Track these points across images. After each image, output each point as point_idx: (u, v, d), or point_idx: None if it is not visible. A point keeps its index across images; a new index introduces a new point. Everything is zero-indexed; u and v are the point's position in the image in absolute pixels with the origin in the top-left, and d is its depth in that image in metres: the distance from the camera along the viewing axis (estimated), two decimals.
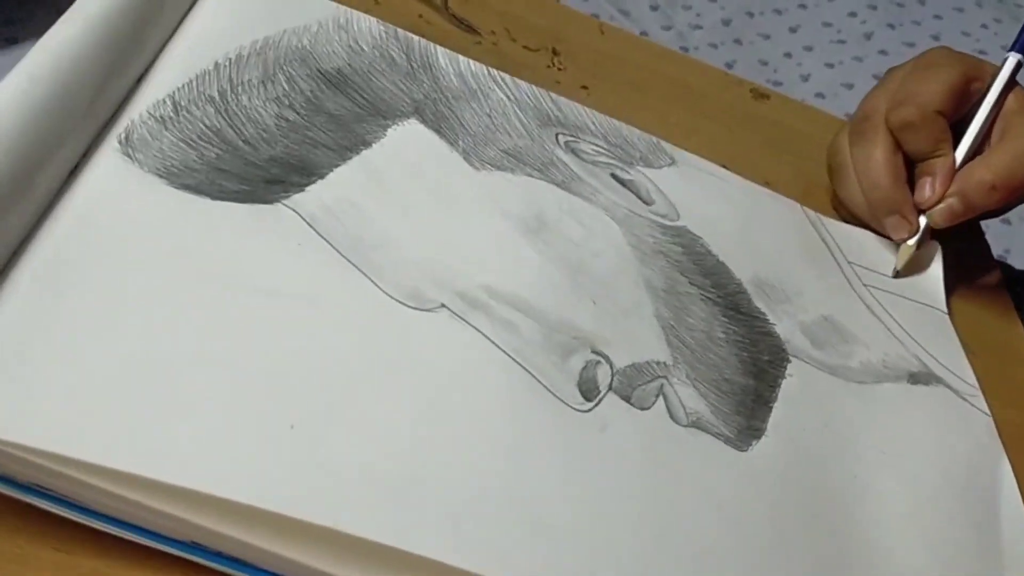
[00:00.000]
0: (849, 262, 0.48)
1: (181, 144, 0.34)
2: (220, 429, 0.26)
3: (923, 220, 0.48)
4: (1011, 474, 0.40)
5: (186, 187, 0.32)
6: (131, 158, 0.32)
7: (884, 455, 0.39)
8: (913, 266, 0.49)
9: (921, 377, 0.43)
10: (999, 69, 0.49)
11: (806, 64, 0.77)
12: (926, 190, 0.47)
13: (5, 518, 0.26)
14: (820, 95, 0.73)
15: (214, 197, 0.33)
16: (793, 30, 0.80)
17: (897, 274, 0.48)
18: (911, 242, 0.48)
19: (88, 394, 0.26)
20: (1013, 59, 0.48)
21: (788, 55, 0.77)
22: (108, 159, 0.32)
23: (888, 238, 0.49)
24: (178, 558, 0.26)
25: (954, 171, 0.47)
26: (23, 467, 0.25)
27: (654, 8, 0.75)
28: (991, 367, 0.45)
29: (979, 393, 0.43)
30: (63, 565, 0.26)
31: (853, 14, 0.83)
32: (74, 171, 0.31)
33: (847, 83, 0.76)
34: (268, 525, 0.26)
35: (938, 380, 0.43)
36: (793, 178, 0.54)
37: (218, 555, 0.26)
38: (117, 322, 0.28)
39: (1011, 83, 0.49)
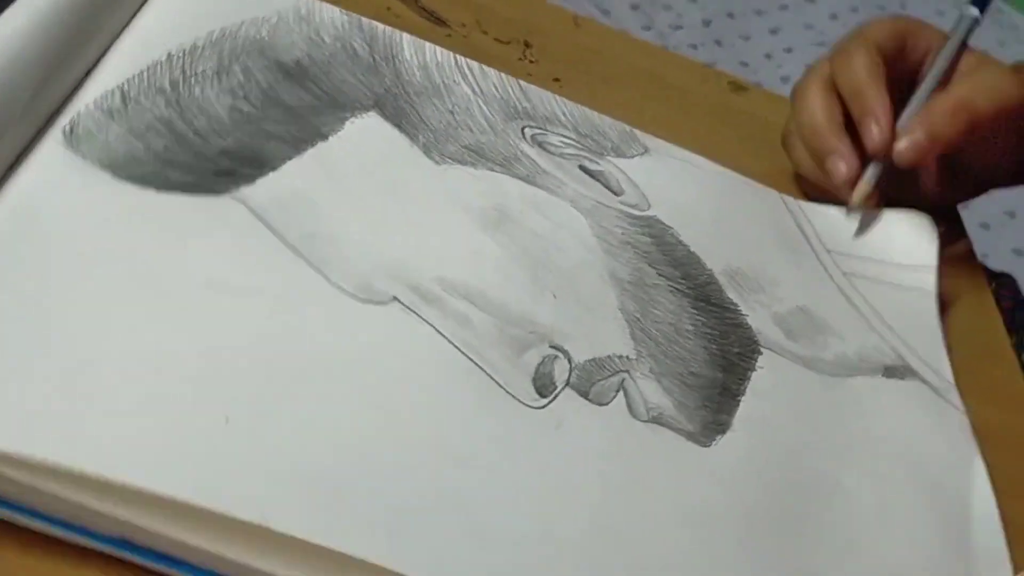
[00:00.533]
0: (828, 250, 0.47)
1: (128, 136, 0.33)
2: (150, 421, 0.26)
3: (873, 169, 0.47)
4: (984, 472, 0.39)
5: (131, 178, 0.32)
6: (75, 150, 0.32)
7: (854, 451, 0.38)
8: (871, 220, 0.48)
9: (896, 371, 0.42)
10: (957, 23, 0.48)
11: (786, 66, 0.76)
12: (872, 130, 0.46)
13: None
14: None
15: (160, 188, 0.32)
16: (774, 31, 0.79)
17: (851, 211, 0.48)
18: (863, 181, 0.47)
19: (13, 384, 0.25)
20: (971, 12, 0.48)
21: (768, 56, 0.76)
22: (50, 152, 0.31)
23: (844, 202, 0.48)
24: (108, 554, 0.26)
25: (893, 108, 0.46)
26: None
27: (634, 8, 0.74)
28: (969, 363, 0.44)
29: (954, 389, 0.42)
30: (31, 569, 0.25)
31: (835, 16, 0.82)
32: (13, 166, 0.31)
33: None
34: (198, 520, 0.25)
35: (913, 374, 0.42)
36: (771, 170, 0.53)
37: (148, 551, 0.26)
38: (49, 314, 0.27)
39: (965, 39, 0.48)
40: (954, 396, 0.42)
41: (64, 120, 0.33)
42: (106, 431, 0.25)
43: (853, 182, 0.47)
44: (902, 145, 0.45)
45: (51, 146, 0.32)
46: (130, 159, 0.32)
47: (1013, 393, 0.45)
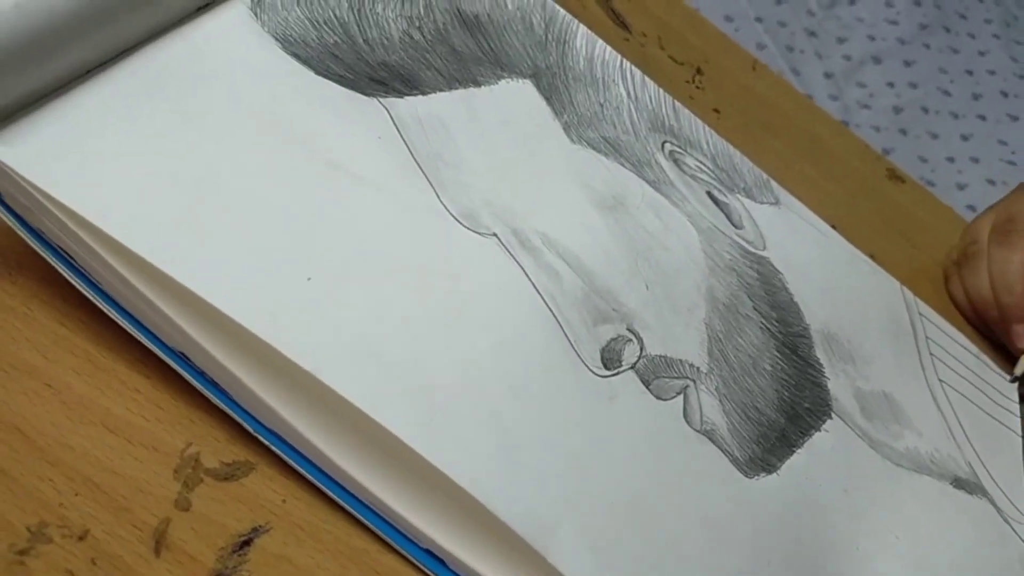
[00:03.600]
0: (931, 353, 0.45)
1: (306, 21, 0.35)
2: (244, 255, 0.27)
3: None
4: None
5: (296, 56, 0.34)
6: (256, 16, 0.34)
7: (898, 541, 0.36)
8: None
9: (966, 484, 0.40)
10: None
11: (967, 173, 0.74)
12: None
13: (26, 284, 0.28)
14: (971, 207, 0.70)
15: (318, 72, 0.34)
16: (965, 137, 0.76)
17: (1015, 380, 0.46)
18: None
19: (140, 183, 0.27)
20: None
21: (951, 159, 0.74)
22: (236, 8, 0.34)
23: (1001, 345, 0.47)
24: (162, 365, 0.27)
25: None
26: (61, 231, 0.26)
27: (828, 76, 0.74)
28: None
29: None
30: (60, 337, 0.27)
31: None
32: (204, 8, 0.33)
33: None
34: (255, 355, 0.26)
35: (984, 493, 0.40)
36: (902, 262, 0.51)
37: (200, 374, 0.27)
38: (189, 139, 0.29)
39: None
40: (1022, 529, 0.40)
41: None
42: (202, 251, 0.27)
43: None
44: None
45: (238, 4, 0.34)
46: (301, 41, 0.35)
47: None
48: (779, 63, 0.72)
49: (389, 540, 0.27)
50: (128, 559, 0.25)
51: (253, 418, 0.27)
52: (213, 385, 0.27)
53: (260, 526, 0.27)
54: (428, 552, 0.27)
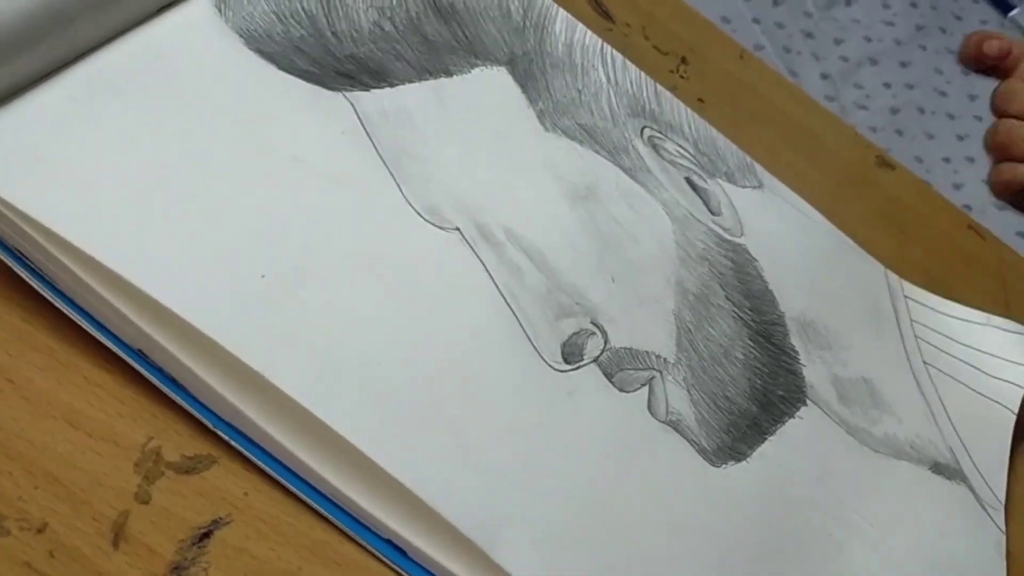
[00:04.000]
0: (917, 336, 0.45)
1: (272, 15, 0.36)
2: (198, 256, 0.28)
3: None
4: None
5: (260, 52, 0.34)
6: (220, 12, 0.34)
7: (871, 529, 0.36)
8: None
9: (945, 470, 0.40)
10: None
11: (963, 173, 0.74)
12: None
13: None
14: (968, 207, 0.69)
15: (282, 68, 0.34)
16: (961, 138, 0.76)
17: None
18: None
19: (93, 185, 0.28)
20: None
21: (947, 159, 0.74)
22: (200, 6, 0.34)
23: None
24: (122, 362, 0.28)
25: None
26: (15, 233, 0.27)
27: (824, 77, 0.74)
28: None
29: (1002, 509, 0.40)
30: (23, 332, 0.28)
31: None
32: (167, 7, 0.34)
33: (1000, 204, 0.72)
34: (209, 353, 0.27)
35: (963, 479, 0.40)
36: (889, 250, 0.51)
37: (159, 371, 0.28)
38: (147, 139, 0.30)
39: None
40: (999, 516, 0.39)
41: None
42: (154, 252, 0.27)
43: None
44: None
45: (202, 2, 0.34)
46: (265, 35, 0.35)
47: None
48: (776, 64, 0.72)
49: (350, 531, 0.28)
50: (86, 551, 0.25)
51: (212, 413, 0.28)
52: (172, 381, 0.28)
53: (220, 518, 0.27)
54: (388, 542, 0.28)
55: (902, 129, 0.75)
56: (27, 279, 0.27)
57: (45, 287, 0.27)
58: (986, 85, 0.85)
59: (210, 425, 0.28)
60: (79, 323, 0.27)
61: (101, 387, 0.28)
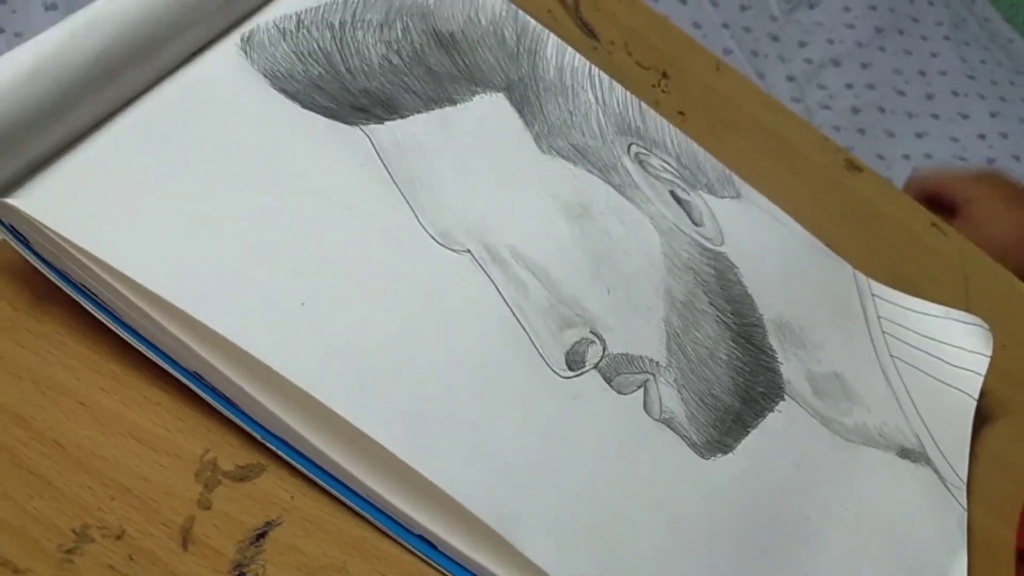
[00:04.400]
0: (884, 331, 0.49)
1: (292, 56, 0.39)
2: (246, 286, 0.31)
3: None
4: (964, 570, 0.41)
5: (284, 91, 0.37)
6: (246, 55, 0.38)
7: (844, 511, 0.40)
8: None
9: (911, 454, 0.44)
10: None
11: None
12: None
13: (56, 313, 0.31)
14: None
15: (304, 106, 0.37)
16: (920, 135, 0.80)
17: None
18: None
19: (147, 225, 0.31)
20: None
21: (907, 156, 0.78)
22: (227, 50, 0.37)
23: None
24: (177, 382, 0.31)
25: None
26: (81, 269, 0.30)
27: (790, 79, 0.77)
28: (989, 475, 0.46)
29: (964, 488, 0.44)
30: (89, 360, 0.31)
31: (983, 136, 0.83)
32: (197, 53, 0.37)
33: None
34: (259, 374, 0.30)
35: (928, 462, 0.44)
36: (859, 250, 0.55)
37: (213, 390, 0.31)
38: (187, 176, 0.33)
39: None
40: (961, 495, 0.44)
41: (245, 28, 0.39)
42: (208, 284, 0.31)
43: None
44: None
45: (229, 45, 0.37)
46: (288, 75, 0.38)
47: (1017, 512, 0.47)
48: (745, 67, 0.76)
49: (386, 529, 0.31)
50: (160, 554, 0.28)
51: (261, 427, 0.31)
52: (225, 399, 0.31)
53: (272, 520, 0.30)
54: (420, 537, 0.31)
55: (864, 128, 0.80)
56: (92, 311, 0.30)
57: (108, 318, 0.31)
58: (943, 83, 0.90)
59: (259, 437, 0.31)
60: (140, 349, 0.31)
61: (160, 405, 0.31)
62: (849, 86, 0.83)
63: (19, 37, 0.52)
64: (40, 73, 0.30)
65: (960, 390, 0.48)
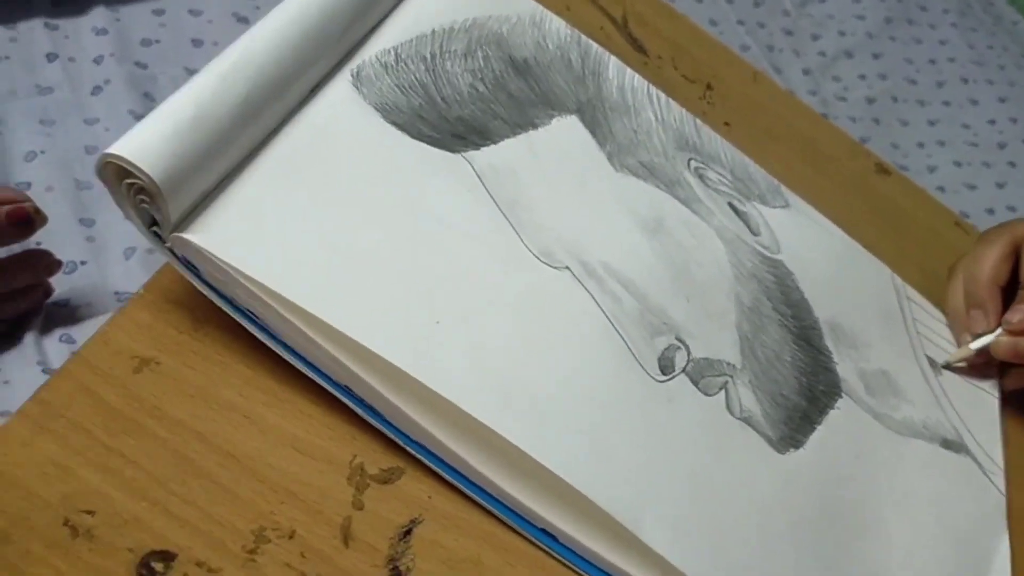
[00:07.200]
0: (919, 332, 0.53)
1: (396, 88, 0.42)
2: (389, 307, 0.34)
3: (988, 340, 0.51)
4: (1007, 549, 0.45)
5: (394, 123, 0.41)
6: (358, 90, 0.41)
7: (900, 498, 0.44)
8: (963, 370, 0.52)
9: (953, 444, 0.48)
10: None
11: (936, 157, 0.82)
12: (1015, 312, 0.49)
13: (218, 335, 0.35)
14: (941, 188, 0.78)
15: (413, 136, 0.41)
16: (932, 123, 0.84)
17: (946, 366, 0.52)
18: (973, 345, 0.51)
19: (299, 252, 0.34)
20: None
21: (921, 145, 0.81)
22: (342, 87, 0.40)
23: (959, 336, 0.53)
24: (326, 394, 0.34)
25: None
26: (247, 295, 0.33)
27: (806, 72, 0.81)
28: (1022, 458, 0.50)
29: (1001, 473, 0.48)
30: (249, 378, 0.34)
31: (993, 122, 0.87)
32: (315, 89, 0.40)
33: (970, 184, 0.81)
34: (403, 386, 0.33)
35: (967, 451, 0.48)
36: (890, 249, 0.59)
37: (361, 401, 0.34)
38: (326, 207, 0.36)
39: None
40: (999, 480, 0.48)
41: (353, 64, 0.42)
42: (358, 306, 0.34)
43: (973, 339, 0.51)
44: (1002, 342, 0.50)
45: (343, 82, 0.41)
46: (395, 107, 0.41)
47: None
48: (762, 63, 0.79)
49: (513, 524, 0.35)
50: (327, 551, 0.32)
51: (402, 433, 0.35)
52: (371, 409, 0.34)
53: (416, 518, 0.34)
54: (543, 531, 0.35)
55: (879, 118, 0.83)
56: (255, 332, 0.34)
57: (269, 338, 0.34)
58: (953, 70, 0.94)
59: (400, 443, 0.35)
60: (296, 366, 0.34)
61: (312, 417, 0.34)
62: (862, 77, 0.86)
63: (73, 62, 0.55)
64: (201, 118, 0.33)
65: (982, 388, 0.53)
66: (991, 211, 0.81)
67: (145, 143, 0.31)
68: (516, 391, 0.35)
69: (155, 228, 0.33)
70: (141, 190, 0.31)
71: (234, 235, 0.33)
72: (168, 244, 0.33)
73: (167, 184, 0.31)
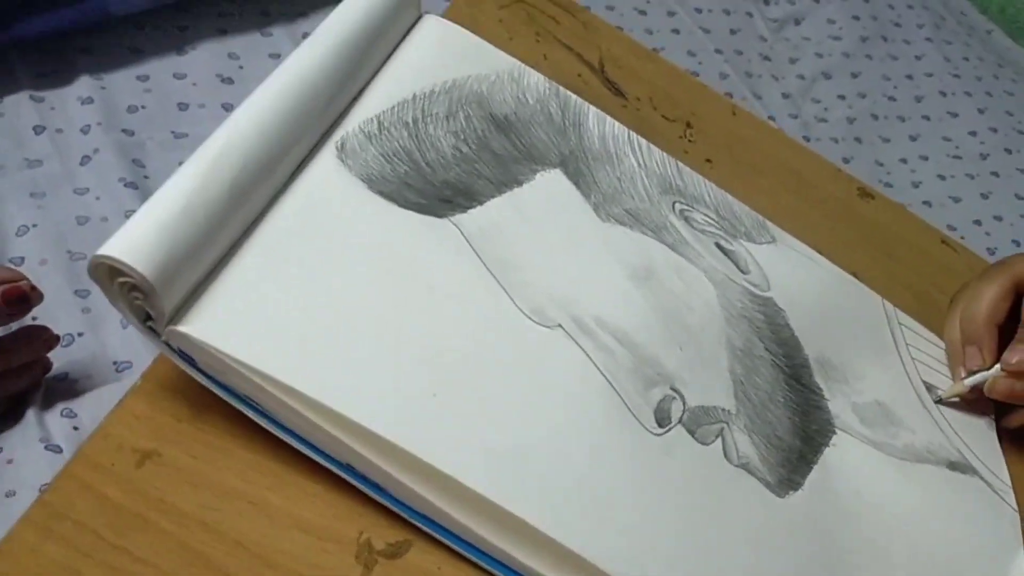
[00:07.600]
0: (913, 358, 0.54)
1: (380, 158, 0.43)
2: (387, 384, 0.35)
3: (985, 376, 0.51)
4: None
5: (381, 193, 0.41)
6: (343, 163, 0.41)
7: (908, 527, 0.45)
8: (957, 404, 0.52)
9: (959, 466, 0.49)
10: None
11: (920, 172, 0.82)
12: (1014, 353, 0.49)
13: (218, 421, 0.35)
14: (927, 203, 0.79)
15: (400, 205, 0.41)
16: (913, 138, 0.85)
17: (939, 401, 0.52)
18: (967, 381, 0.51)
19: (294, 335, 0.35)
20: None
21: (904, 160, 0.82)
22: (327, 160, 0.41)
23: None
24: (329, 472, 0.35)
25: None
26: (243, 381, 0.33)
27: (786, 96, 0.82)
28: None
29: (1011, 491, 0.49)
30: (253, 462, 0.35)
31: (973, 133, 0.88)
32: (301, 164, 0.40)
33: (955, 196, 0.82)
34: (404, 461, 0.34)
35: (974, 472, 0.49)
36: (880, 275, 0.60)
37: (364, 479, 0.35)
38: (318, 286, 0.37)
39: None
40: (1010, 497, 0.48)
41: (336, 136, 0.42)
42: (356, 386, 0.34)
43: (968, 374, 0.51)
44: (998, 380, 0.50)
45: (328, 155, 0.41)
46: (381, 177, 0.42)
47: None
48: (742, 90, 0.80)
49: None
50: None
51: (407, 507, 0.35)
52: (375, 486, 0.35)
53: None
54: None
55: (860, 137, 0.84)
56: (254, 418, 0.34)
57: (269, 423, 0.34)
58: (930, 84, 0.95)
59: (406, 516, 0.35)
60: (299, 448, 0.34)
61: (316, 496, 0.35)
62: (842, 97, 0.87)
63: (60, 133, 0.55)
64: (190, 210, 0.34)
65: (980, 408, 0.53)
66: (978, 222, 0.82)
67: (136, 242, 0.32)
68: (516, 461, 0.35)
69: (150, 323, 0.33)
70: (134, 287, 0.32)
71: (228, 324, 0.34)
72: (164, 338, 0.33)
73: (160, 281, 0.32)
